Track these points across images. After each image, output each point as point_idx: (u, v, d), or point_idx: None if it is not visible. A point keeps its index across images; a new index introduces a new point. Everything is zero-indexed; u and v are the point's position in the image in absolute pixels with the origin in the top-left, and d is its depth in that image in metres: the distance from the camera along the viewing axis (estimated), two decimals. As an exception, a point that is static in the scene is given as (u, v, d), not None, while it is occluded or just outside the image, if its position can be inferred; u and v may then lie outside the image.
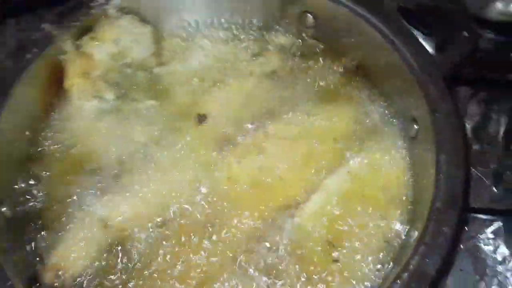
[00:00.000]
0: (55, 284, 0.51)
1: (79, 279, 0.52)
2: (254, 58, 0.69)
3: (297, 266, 0.54)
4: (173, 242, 0.55)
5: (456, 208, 0.48)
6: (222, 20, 0.71)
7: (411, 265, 0.45)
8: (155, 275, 0.53)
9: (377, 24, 0.62)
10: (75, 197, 0.58)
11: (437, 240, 0.46)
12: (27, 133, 0.60)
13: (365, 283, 0.52)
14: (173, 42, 0.70)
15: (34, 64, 0.58)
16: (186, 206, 0.57)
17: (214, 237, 0.56)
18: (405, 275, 0.45)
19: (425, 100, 0.56)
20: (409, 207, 0.56)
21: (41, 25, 0.60)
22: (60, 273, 0.52)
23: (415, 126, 0.59)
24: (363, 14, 0.64)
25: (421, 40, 0.61)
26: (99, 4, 0.63)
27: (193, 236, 0.55)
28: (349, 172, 0.59)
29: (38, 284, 0.49)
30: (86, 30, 0.64)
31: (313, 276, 0.53)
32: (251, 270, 0.54)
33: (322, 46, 0.69)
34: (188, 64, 0.69)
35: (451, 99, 0.55)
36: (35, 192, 0.58)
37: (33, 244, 0.53)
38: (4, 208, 0.51)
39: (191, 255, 0.54)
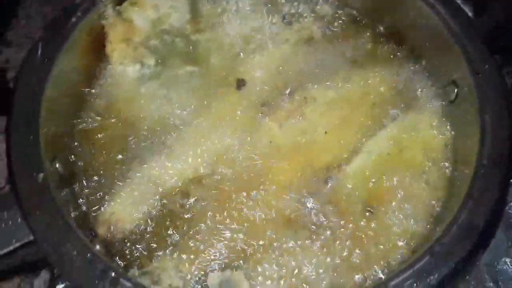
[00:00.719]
0: (108, 236, 0.52)
1: (130, 234, 0.53)
2: (290, 25, 0.70)
3: (337, 223, 0.55)
4: (218, 201, 0.56)
5: (503, 166, 0.49)
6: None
7: (459, 218, 0.46)
8: (202, 233, 0.54)
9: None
10: (120, 158, 0.59)
11: (484, 195, 0.47)
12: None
13: (403, 241, 0.53)
14: (210, 9, 0.70)
15: (78, 28, 0.59)
16: (230, 167, 0.59)
17: (258, 196, 0.57)
18: (454, 227, 0.45)
19: (466, 63, 0.56)
20: (450, 168, 0.57)
21: (85, -10, 0.60)
22: (112, 228, 0.53)
23: (455, 89, 0.60)
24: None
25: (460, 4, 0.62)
26: (140, -31, 0.64)
27: (237, 196, 0.57)
28: (389, 135, 0.60)
29: (94, 235, 0.50)
30: (126, -4, 0.64)
31: (355, 232, 0.54)
32: (292, 226, 0.55)
33: (359, 13, 0.69)
34: (225, 31, 0.69)
35: (493, 60, 0.55)
36: (80, 153, 0.59)
37: (85, 201, 0.55)
38: (57, 165, 0.53)
39: (235, 213, 0.56)
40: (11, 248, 0.45)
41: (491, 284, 0.51)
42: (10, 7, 0.99)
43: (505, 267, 0.52)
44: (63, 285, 0.56)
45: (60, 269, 0.43)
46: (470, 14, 0.61)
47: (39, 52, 0.55)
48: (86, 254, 0.43)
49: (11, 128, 0.50)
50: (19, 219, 0.46)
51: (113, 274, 0.42)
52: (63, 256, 0.43)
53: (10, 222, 0.46)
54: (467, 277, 0.50)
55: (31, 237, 0.45)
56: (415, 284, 0.42)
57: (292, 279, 0.50)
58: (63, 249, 0.44)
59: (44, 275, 0.70)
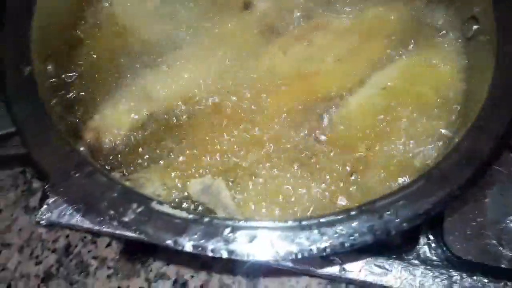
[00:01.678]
0: (95, 143, 0.51)
1: (116, 143, 0.52)
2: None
3: (336, 155, 0.52)
4: (211, 119, 0.54)
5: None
6: None
7: (462, 146, 0.43)
8: (190, 148, 0.52)
9: None
10: (118, 68, 0.57)
11: (492, 124, 0.43)
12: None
13: (406, 175, 0.50)
14: None
15: None
16: (227, 88, 0.56)
17: (252, 119, 0.54)
18: (455, 154, 0.42)
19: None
20: (461, 105, 0.53)
21: None
22: (99, 134, 0.52)
23: (474, 26, 0.55)
24: None
25: None
26: None
27: (231, 117, 0.54)
28: (399, 69, 0.56)
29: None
30: None
31: (351, 162, 0.51)
32: (287, 156, 0.52)
33: None
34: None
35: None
36: (78, 59, 0.57)
37: (76, 108, 0.53)
38: (50, 66, 0.51)
39: (226, 134, 0.53)
40: (-8, 136, 0.43)
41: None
42: None
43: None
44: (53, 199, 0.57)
45: (38, 161, 0.41)
46: None
47: None
48: (65, 148, 0.42)
49: (5, 19, 0.48)
50: (1, 109, 0.44)
51: (89, 168, 0.40)
52: (41, 148, 0.42)
53: (-6, 115, 0.45)
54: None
55: (13, 129, 0.44)
56: (404, 207, 0.39)
57: (275, 199, 0.48)
58: (43, 141, 0.42)
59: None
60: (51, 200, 0.58)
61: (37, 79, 0.47)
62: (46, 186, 0.61)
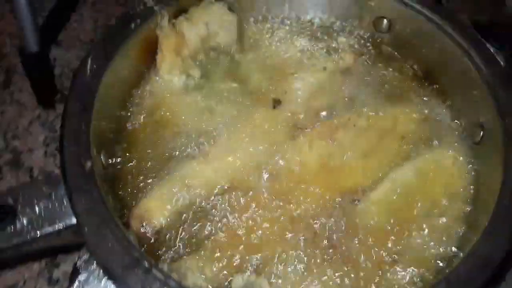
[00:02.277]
0: (141, 231, 0.55)
1: (160, 231, 0.57)
2: (328, 55, 0.74)
3: (357, 247, 0.57)
4: (245, 209, 0.59)
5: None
6: (304, 16, 0.76)
7: (476, 252, 0.48)
8: (227, 237, 0.57)
9: (451, 33, 0.66)
10: (160, 157, 0.63)
11: (504, 230, 0.49)
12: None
13: (422, 270, 0.55)
14: (255, 32, 0.75)
15: (135, 34, 0.64)
16: (259, 180, 0.62)
17: (282, 210, 0.60)
18: (470, 259, 0.47)
19: (495, 108, 0.59)
20: (470, 205, 0.59)
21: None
22: (144, 222, 0.56)
23: (481, 132, 0.62)
24: (438, 23, 0.68)
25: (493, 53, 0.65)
26: (196, -13, 0.69)
27: (264, 207, 0.59)
28: (414, 168, 0.63)
29: (128, 228, 0.53)
30: (182, 11, 0.69)
31: (372, 258, 0.56)
32: (312, 245, 0.57)
33: (394, 50, 0.73)
34: (267, 54, 0.74)
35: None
36: (121, 149, 0.63)
37: (122, 194, 0.58)
38: (102, 157, 0.56)
39: (260, 223, 0.58)
40: (55, 228, 0.48)
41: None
42: (65, 11, 1.05)
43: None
44: (85, 275, 0.60)
45: (96, 254, 0.46)
46: (502, 63, 0.64)
47: (98, 52, 0.60)
48: (123, 242, 0.46)
49: (66, 118, 0.54)
50: (65, 203, 0.49)
51: (146, 264, 0.44)
52: (101, 241, 0.46)
53: (56, 204, 0.50)
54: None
55: (74, 221, 0.48)
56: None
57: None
58: (102, 235, 0.47)
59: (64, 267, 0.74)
60: (82, 277, 0.62)
61: (95, 172, 0.52)
62: (77, 262, 0.64)
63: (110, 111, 0.62)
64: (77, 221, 0.48)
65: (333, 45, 0.75)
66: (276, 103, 0.69)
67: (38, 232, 0.48)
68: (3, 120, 0.96)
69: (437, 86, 0.69)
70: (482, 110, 0.62)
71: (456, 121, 0.66)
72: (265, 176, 0.62)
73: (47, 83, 0.93)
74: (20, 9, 0.81)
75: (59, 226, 0.48)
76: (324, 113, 0.68)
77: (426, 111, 0.68)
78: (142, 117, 0.66)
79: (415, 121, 0.67)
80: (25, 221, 0.48)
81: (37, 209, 0.49)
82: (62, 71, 1.05)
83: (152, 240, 0.56)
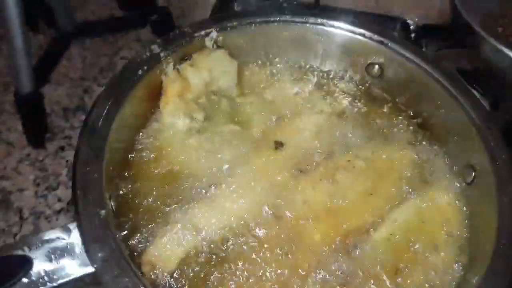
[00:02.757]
0: (152, 277, 0.55)
1: (171, 276, 0.57)
2: (324, 98, 0.77)
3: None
4: (252, 252, 0.60)
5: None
6: (300, 63, 0.80)
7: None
8: (236, 281, 0.58)
9: (440, 80, 0.71)
10: (164, 201, 0.63)
11: (502, 277, 0.52)
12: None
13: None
14: (255, 76, 0.78)
15: (143, 80, 0.65)
16: (265, 222, 0.63)
17: (289, 253, 0.61)
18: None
19: (485, 151, 0.63)
20: (468, 242, 0.62)
21: (151, 47, 0.68)
22: (155, 268, 0.56)
23: (473, 173, 0.66)
24: (428, 70, 0.72)
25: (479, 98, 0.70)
26: (200, 35, 0.71)
27: (271, 250, 0.61)
28: (412, 207, 0.66)
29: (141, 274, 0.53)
30: (185, 57, 0.71)
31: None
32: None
33: (387, 94, 0.77)
34: (266, 97, 0.77)
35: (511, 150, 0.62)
36: (127, 194, 0.63)
37: (132, 240, 0.58)
38: (112, 203, 0.57)
39: (268, 267, 0.60)
40: (71, 277, 0.48)
41: None
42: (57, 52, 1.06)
43: None
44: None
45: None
46: (487, 107, 0.69)
47: (107, 99, 0.61)
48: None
49: (78, 167, 0.54)
50: (80, 251, 0.49)
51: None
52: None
53: (71, 253, 0.49)
54: None
55: (91, 269, 0.48)
56: None
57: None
58: (122, 283, 0.47)
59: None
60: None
61: (109, 219, 0.52)
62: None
63: (118, 156, 0.62)
64: (95, 270, 0.48)
65: (328, 89, 0.79)
66: (278, 145, 0.71)
67: (54, 282, 0.47)
68: (-9, 160, 0.94)
69: (429, 128, 0.73)
70: (473, 152, 0.66)
71: (448, 162, 0.70)
72: (271, 218, 0.63)
73: (39, 123, 0.93)
74: (16, 51, 0.81)
75: (75, 275, 0.48)
76: (324, 155, 0.70)
77: (420, 153, 0.71)
78: (147, 161, 0.67)
79: (410, 163, 0.70)
80: (41, 272, 0.47)
81: (53, 258, 0.48)
82: (52, 108, 1.05)
83: (164, 286, 0.55)
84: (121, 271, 0.48)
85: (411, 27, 1.13)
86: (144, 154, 0.67)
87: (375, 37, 0.77)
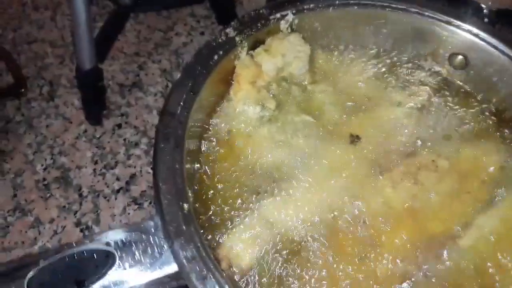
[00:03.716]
0: (229, 272, 0.54)
1: (247, 272, 0.55)
2: (403, 89, 0.73)
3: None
4: (327, 253, 0.58)
5: None
6: (377, 49, 0.75)
7: None
8: (313, 280, 0.56)
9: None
10: (238, 193, 0.61)
11: None
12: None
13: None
14: (327, 62, 0.74)
15: (218, 66, 0.62)
16: (341, 221, 0.60)
17: (366, 255, 0.58)
18: None
19: None
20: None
21: (226, 30, 0.64)
22: (231, 263, 0.55)
23: None
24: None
25: None
26: (275, 18, 0.67)
27: (345, 253, 0.58)
28: (498, 213, 0.62)
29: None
30: (259, 42, 0.68)
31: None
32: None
33: (471, 88, 0.72)
34: (340, 86, 0.73)
35: None
36: (201, 185, 0.61)
37: (207, 234, 0.57)
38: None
39: (344, 267, 0.57)
40: (156, 276, 0.46)
41: None
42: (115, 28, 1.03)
43: None
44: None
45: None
46: None
47: (184, 87, 0.58)
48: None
49: (159, 158, 0.52)
50: (164, 248, 0.47)
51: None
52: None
53: (155, 251, 0.48)
54: None
55: (176, 268, 0.47)
56: None
57: None
58: (210, 283, 0.45)
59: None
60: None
61: (192, 214, 0.50)
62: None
63: (194, 146, 0.60)
64: (180, 268, 0.46)
65: (408, 80, 0.74)
66: (354, 139, 0.67)
67: (139, 280, 0.46)
68: (48, 135, 0.94)
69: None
70: None
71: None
72: (348, 217, 0.60)
73: (98, 99, 0.91)
74: (80, 27, 0.79)
75: (160, 273, 0.46)
76: (404, 152, 0.66)
77: (506, 154, 0.66)
78: (219, 150, 0.64)
79: (496, 165, 0.66)
80: (127, 267, 0.46)
81: (136, 255, 0.47)
82: (107, 84, 1.03)
83: (241, 282, 0.54)
84: (208, 271, 0.46)
85: (484, 11, 1.05)
86: (216, 143, 0.65)
87: (460, 24, 0.71)
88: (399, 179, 0.63)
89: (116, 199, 0.87)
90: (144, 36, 1.12)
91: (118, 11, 0.96)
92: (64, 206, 0.85)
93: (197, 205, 0.58)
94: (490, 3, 1.05)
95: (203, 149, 0.64)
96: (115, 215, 0.85)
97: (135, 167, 0.91)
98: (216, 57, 0.62)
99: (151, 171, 0.89)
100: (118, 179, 0.90)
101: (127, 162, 0.92)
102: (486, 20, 1.03)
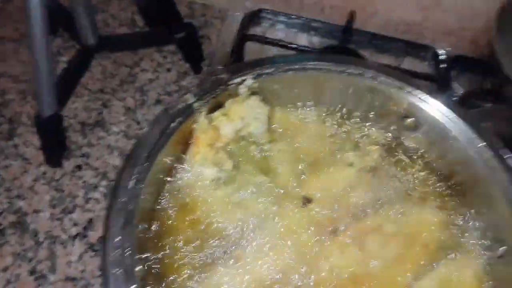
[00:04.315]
0: None
1: None
2: (355, 149, 0.75)
3: None
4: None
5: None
6: (332, 108, 0.77)
7: None
8: None
9: (474, 139, 0.69)
10: (193, 259, 0.62)
11: None
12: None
13: None
14: (286, 121, 0.76)
15: (176, 132, 0.63)
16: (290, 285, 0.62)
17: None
18: None
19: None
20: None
21: (185, 96, 0.65)
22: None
23: (504, 247, 0.65)
24: (463, 128, 0.70)
25: None
26: (235, 83, 0.69)
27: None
28: (438, 277, 0.65)
29: None
30: (218, 105, 0.69)
31: None
32: None
33: (421, 150, 0.75)
34: (297, 145, 0.75)
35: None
36: (154, 250, 0.62)
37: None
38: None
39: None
40: None
41: None
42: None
43: None
44: None
45: None
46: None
47: (138, 158, 0.59)
48: None
49: (108, 236, 0.53)
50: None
51: None
52: None
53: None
54: None
55: None
56: None
57: None
58: None
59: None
60: None
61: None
62: None
63: (144, 214, 0.61)
64: None
65: (360, 140, 0.76)
66: (306, 201, 0.69)
67: None
68: (7, 177, 0.93)
69: (462, 193, 0.71)
70: (506, 227, 0.64)
71: (479, 233, 0.68)
72: (298, 283, 0.62)
73: (58, 142, 0.91)
74: (40, 74, 0.79)
75: None
76: (353, 215, 0.69)
77: (450, 219, 0.70)
78: (174, 213, 0.65)
79: (439, 228, 0.69)
80: None
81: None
82: (69, 122, 1.03)
83: None
84: None
85: (442, 57, 1.10)
86: (170, 207, 0.66)
87: (411, 90, 0.74)
88: (346, 244, 0.66)
89: (73, 245, 0.86)
90: (110, 71, 1.12)
91: (83, 51, 0.96)
92: (19, 253, 0.84)
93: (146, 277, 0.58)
94: (449, 48, 1.10)
95: (156, 211, 0.64)
96: (71, 262, 0.85)
97: (93, 211, 0.91)
98: (173, 124, 0.63)
99: (110, 216, 0.89)
100: (75, 224, 0.89)
101: (85, 206, 0.91)
102: (444, 65, 1.08)
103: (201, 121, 0.67)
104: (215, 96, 0.67)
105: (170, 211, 0.65)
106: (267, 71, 0.71)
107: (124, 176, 0.57)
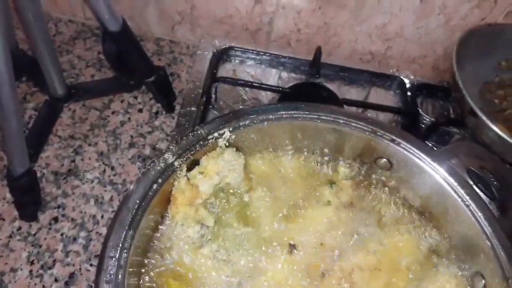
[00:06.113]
0: None
1: None
2: (331, 188, 0.77)
3: None
4: None
5: None
6: (306, 151, 0.79)
7: None
8: None
9: (449, 183, 0.72)
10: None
11: None
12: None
13: None
14: (262, 167, 0.77)
15: (158, 194, 0.63)
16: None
17: None
18: None
19: (497, 266, 0.65)
20: None
21: (165, 155, 0.65)
22: None
23: (483, 281, 0.68)
24: (433, 166, 0.73)
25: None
26: (213, 138, 0.70)
27: None
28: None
29: None
30: (195, 163, 0.69)
31: None
32: None
33: (394, 186, 0.78)
34: (275, 190, 0.76)
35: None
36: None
37: None
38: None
39: None
40: None
41: None
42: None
43: None
44: None
45: None
46: (495, 214, 0.71)
47: (124, 223, 0.59)
48: None
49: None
50: None
51: None
52: None
53: None
54: None
55: None
56: None
57: None
58: None
59: None
60: None
61: None
62: None
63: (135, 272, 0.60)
64: None
65: (336, 179, 0.79)
66: (292, 248, 0.71)
67: None
68: (-22, 236, 0.90)
69: (438, 227, 0.74)
70: (483, 263, 0.67)
71: (457, 265, 0.71)
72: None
73: (32, 198, 0.88)
74: (10, 129, 0.76)
75: None
76: (337, 253, 0.70)
77: (428, 253, 0.73)
78: (159, 271, 0.65)
79: (417, 262, 0.72)
80: None
81: None
82: (42, 172, 1.01)
83: None
84: None
85: (407, 85, 1.14)
86: (155, 271, 0.65)
87: (383, 133, 0.76)
88: (335, 284, 0.68)
89: (55, 304, 0.84)
90: (80, 116, 1.10)
91: (50, 102, 0.94)
92: (-3, 319, 0.82)
93: None
94: (412, 76, 1.15)
95: (142, 270, 0.64)
96: (54, 322, 0.83)
97: (74, 265, 0.89)
98: (155, 186, 0.63)
99: (90, 268, 0.88)
100: (56, 280, 0.87)
101: (65, 260, 0.89)
102: (409, 94, 1.13)
103: (180, 180, 0.67)
104: (194, 152, 0.67)
105: (155, 269, 0.65)
106: (243, 123, 0.71)
107: (109, 245, 0.57)
